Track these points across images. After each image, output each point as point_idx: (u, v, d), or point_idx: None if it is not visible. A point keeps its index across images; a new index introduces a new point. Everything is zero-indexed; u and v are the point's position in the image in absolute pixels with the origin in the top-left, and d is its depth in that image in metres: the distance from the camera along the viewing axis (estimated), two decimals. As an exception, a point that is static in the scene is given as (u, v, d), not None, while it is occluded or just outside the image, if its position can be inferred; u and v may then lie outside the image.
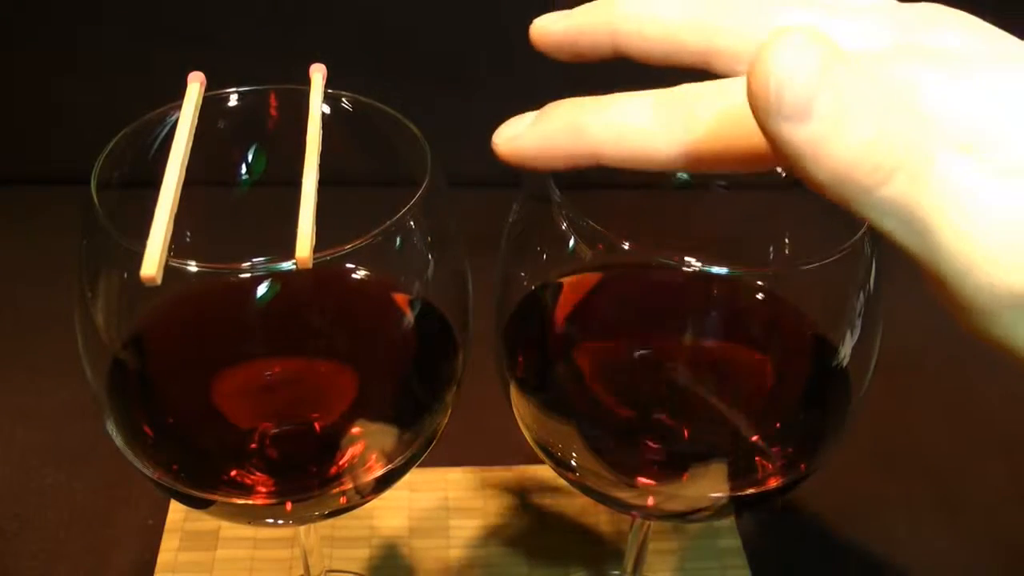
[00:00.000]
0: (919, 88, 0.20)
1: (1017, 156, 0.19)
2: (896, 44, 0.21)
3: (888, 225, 0.19)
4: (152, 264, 0.26)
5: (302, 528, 0.41)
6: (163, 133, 0.35)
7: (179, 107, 0.35)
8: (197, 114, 0.32)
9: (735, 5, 0.23)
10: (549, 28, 0.25)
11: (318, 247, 0.28)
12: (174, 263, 0.27)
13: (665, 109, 0.21)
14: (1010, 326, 0.19)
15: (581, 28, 0.25)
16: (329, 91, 0.34)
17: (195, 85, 0.32)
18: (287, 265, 0.28)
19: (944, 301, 0.19)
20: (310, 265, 0.28)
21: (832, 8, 0.23)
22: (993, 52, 0.21)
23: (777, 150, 0.18)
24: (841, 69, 0.18)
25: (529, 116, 0.23)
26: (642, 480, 0.34)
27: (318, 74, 0.34)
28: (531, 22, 0.26)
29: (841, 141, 0.18)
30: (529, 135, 0.23)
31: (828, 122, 0.17)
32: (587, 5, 0.25)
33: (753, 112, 0.18)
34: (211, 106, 0.35)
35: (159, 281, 0.26)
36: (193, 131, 0.31)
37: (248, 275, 0.30)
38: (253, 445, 0.35)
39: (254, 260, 0.28)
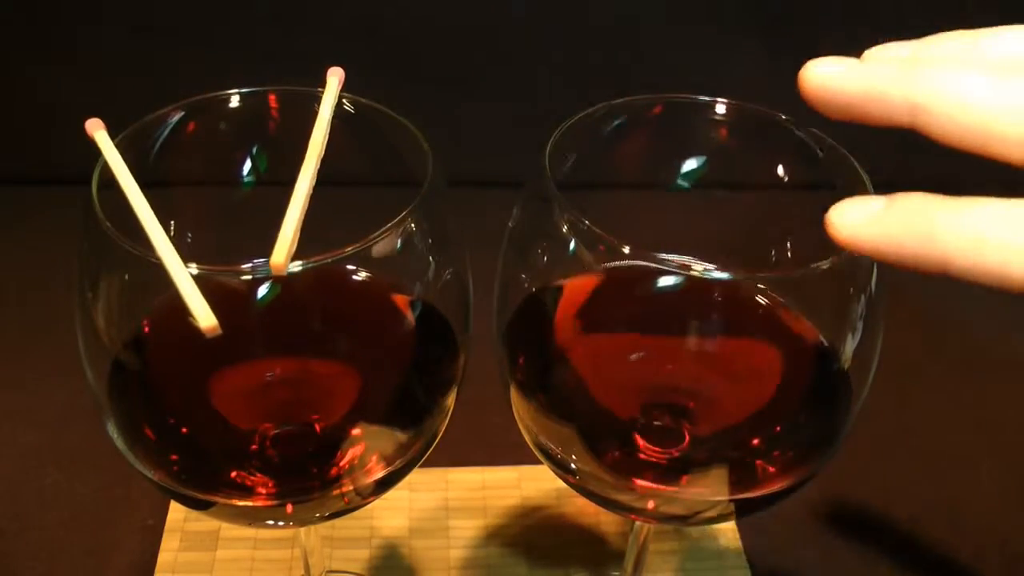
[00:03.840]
0: None
1: None
2: None
3: None
4: (208, 317, 0.26)
5: (302, 528, 0.41)
6: (164, 134, 0.35)
7: (179, 109, 0.35)
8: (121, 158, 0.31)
9: None
10: (832, 81, 0.22)
11: (320, 248, 0.28)
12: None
13: None
14: None
15: (874, 93, 0.21)
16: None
17: (100, 133, 0.32)
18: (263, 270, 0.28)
19: None
20: (284, 272, 0.28)
21: None
22: None
23: None
24: None
25: (876, 201, 0.21)
26: (642, 484, 0.34)
27: (334, 78, 0.34)
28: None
29: None
30: (875, 227, 0.21)
31: None
32: (882, 67, 0.21)
33: None
34: (213, 107, 0.35)
35: (220, 329, 0.26)
36: (131, 175, 0.30)
37: (247, 277, 0.30)
38: (254, 447, 0.35)
39: (254, 262, 0.28)
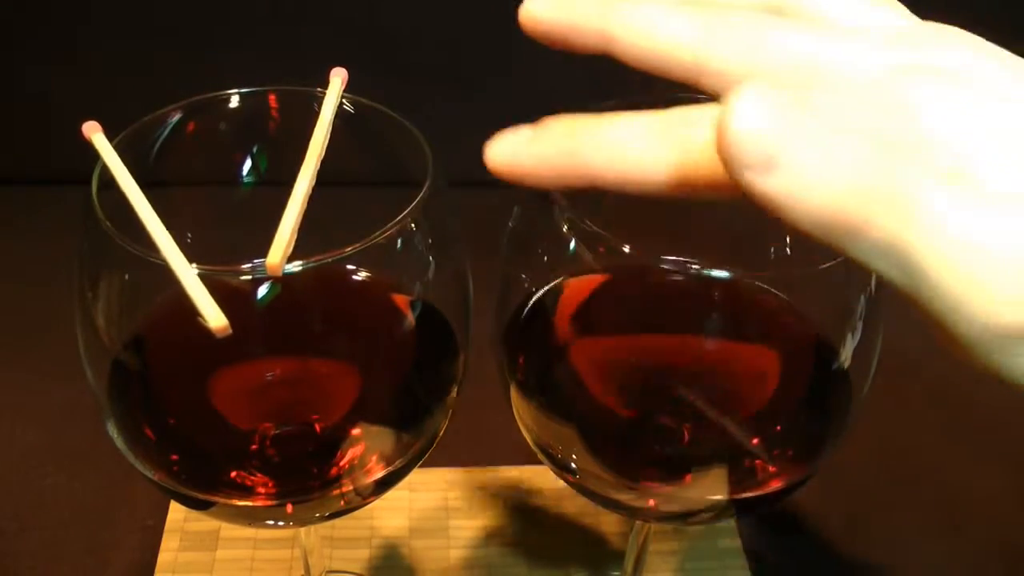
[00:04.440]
0: (909, 112, 0.19)
1: (1005, 182, 0.18)
2: (894, 64, 0.21)
3: (878, 266, 0.18)
4: (218, 317, 0.26)
5: (302, 528, 0.41)
6: (163, 134, 0.35)
7: (179, 109, 0.35)
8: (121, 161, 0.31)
9: (730, 27, 0.22)
10: (539, 15, 0.24)
11: (320, 248, 0.28)
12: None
13: (659, 135, 0.21)
14: (1005, 359, 0.18)
15: (573, 25, 0.24)
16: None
17: (98, 135, 0.32)
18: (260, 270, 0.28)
19: (940, 338, 0.19)
20: (280, 272, 0.28)
21: (830, 29, 0.22)
22: (997, 73, 0.20)
23: (752, 200, 0.18)
24: (806, 118, 0.18)
25: (525, 132, 0.23)
26: (642, 483, 0.34)
27: (337, 78, 0.34)
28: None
29: (813, 189, 0.18)
30: (524, 154, 0.23)
31: (795, 172, 0.18)
32: (583, 2, 0.24)
33: (723, 165, 0.18)
34: (213, 107, 0.35)
35: (231, 329, 0.26)
36: (130, 176, 0.30)
37: (247, 277, 0.30)
38: (254, 447, 0.35)
39: (254, 262, 0.28)
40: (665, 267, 0.30)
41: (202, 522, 0.51)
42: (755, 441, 0.35)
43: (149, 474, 0.33)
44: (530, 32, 0.25)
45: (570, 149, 0.22)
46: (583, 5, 0.24)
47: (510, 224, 0.35)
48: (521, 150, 0.23)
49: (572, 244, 0.32)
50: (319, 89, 0.34)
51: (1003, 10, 0.53)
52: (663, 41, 0.23)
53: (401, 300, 0.36)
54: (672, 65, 0.23)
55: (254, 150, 0.38)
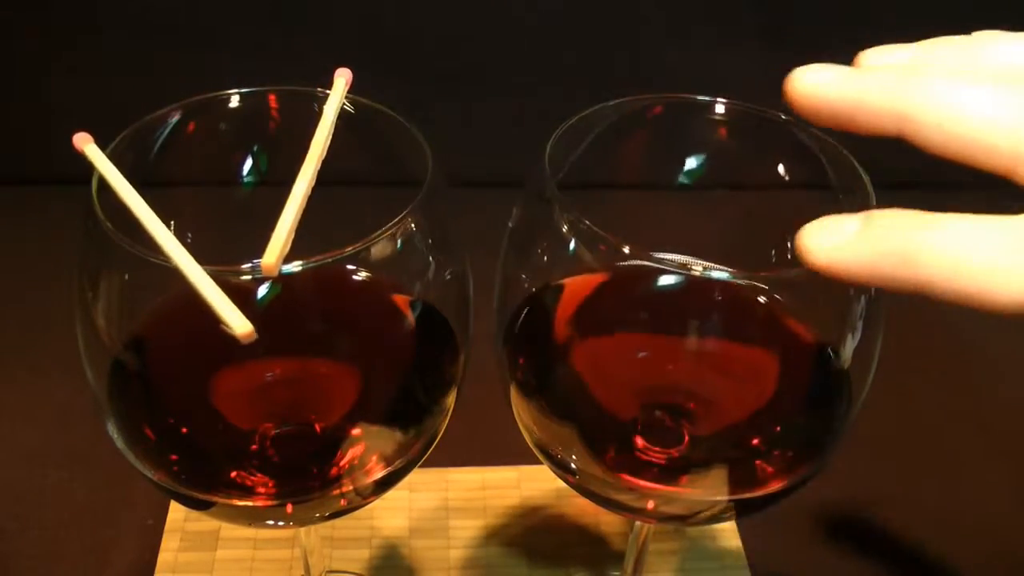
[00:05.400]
0: None
1: None
2: None
3: None
4: (243, 324, 0.26)
5: (302, 528, 0.41)
6: (163, 135, 0.35)
7: (179, 108, 0.35)
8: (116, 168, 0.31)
9: None
10: (819, 90, 0.21)
11: (320, 248, 0.28)
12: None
13: (1008, 248, 0.18)
14: None
15: (863, 102, 0.21)
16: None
17: (90, 147, 0.31)
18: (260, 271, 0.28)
19: None
20: (275, 273, 0.28)
21: None
22: None
23: None
24: None
25: (849, 223, 0.20)
26: (642, 484, 0.34)
27: (341, 79, 0.34)
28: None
29: None
30: (852, 251, 0.20)
31: None
32: (871, 76, 0.21)
33: None
34: (213, 107, 0.35)
35: (256, 335, 0.26)
36: (132, 186, 0.30)
37: (247, 277, 0.30)
38: (254, 447, 0.35)
39: (254, 262, 0.28)
40: (665, 267, 0.30)
41: (202, 522, 0.51)
42: (755, 442, 0.35)
43: (149, 474, 0.33)
44: (802, 111, 0.22)
45: (905, 254, 0.19)
46: (872, 79, 0.21)
47: (510, 224, 0.35)
48: (848, 247, 0.20)
49: (572, 244, 0.32)
50: (320, 89, 0.34)
51: None
52: (974, 126, 0.20)
53: (401, 300, 0.36)
54: (984, 156, 0.20)
55: (254, 150, 0.38)
